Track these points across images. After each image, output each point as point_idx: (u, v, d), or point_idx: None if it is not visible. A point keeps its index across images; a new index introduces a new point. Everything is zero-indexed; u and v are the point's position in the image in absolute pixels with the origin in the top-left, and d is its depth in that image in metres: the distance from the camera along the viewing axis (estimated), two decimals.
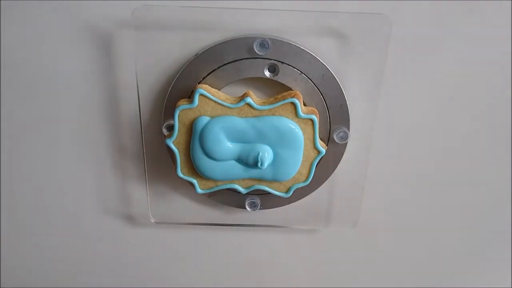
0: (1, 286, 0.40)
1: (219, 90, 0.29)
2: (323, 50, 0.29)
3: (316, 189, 0.33)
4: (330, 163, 0.32)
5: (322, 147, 0.29)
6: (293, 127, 0.28)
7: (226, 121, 0.28)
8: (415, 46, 0.29)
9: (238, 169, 0.30)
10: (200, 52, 0.29)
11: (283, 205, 0.33)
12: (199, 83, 0.29)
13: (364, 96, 0.30)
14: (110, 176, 0.34)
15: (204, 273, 0.40)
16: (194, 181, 0.31)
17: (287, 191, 0.31)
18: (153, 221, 0.35)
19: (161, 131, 0.31)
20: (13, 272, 0.39)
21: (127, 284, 0.40)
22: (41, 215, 0.36)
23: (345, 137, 0.31)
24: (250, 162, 0.29)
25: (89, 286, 0.40)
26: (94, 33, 0.29)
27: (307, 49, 0.28)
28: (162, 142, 0.32)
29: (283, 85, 0.29)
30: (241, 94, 0.29)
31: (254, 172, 0.30)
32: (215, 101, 0.28)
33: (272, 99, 0.29)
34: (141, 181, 0.34)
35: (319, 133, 0.30)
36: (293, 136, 0.28)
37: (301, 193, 0.32)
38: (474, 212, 0.36)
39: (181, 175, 0.30)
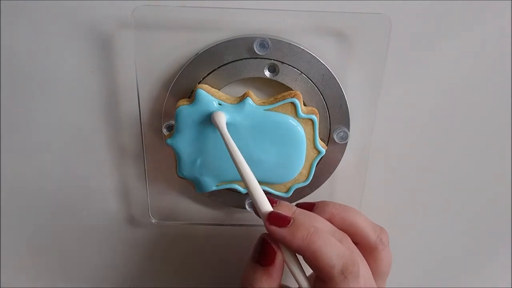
0: (1, 286, 0.40)
1: (219, 90, 0.29)
2: (323, 50, 0.29)
3: (316, 189, 0.33)
4: (330, 163, 0.32)
5: (322, 147, 0.29)
6: (294, 124, 0.28)
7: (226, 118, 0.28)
8: (415, 46, 0.29)
9: None
10: (200, 52, 0.29)
11: None
12: (199, 83, 0.29)
13: (364, 96, 0.30)
14: (110, 176, 0.34)
15: (204, 273, 0.40)
16: None
17: (287, 191, 0.31)
18: (153, 221, 0.35)
19: (161, 131, 0.31)
20: (13, 272, 0.39)
21: (127, 284, 0.40)
22: (41, 215, 0.36)
23: (345, 137, 0.31)
24: (250, 160, 0.29)
25: (89, 285, 0.40)
26: (94, 33, 0.29)
27: (307, 49, 0.28)
28: (162, 142, 0.32)
29: (283, 85, 0.29)
30: (241, 94, 0.29)
31: (255, 173, 0.30)
32: None
33: (272, 99, 0.29)
34: (141, 181, 0.34)
35: (319, 133, 0.30)
36: (295, 134, 0.28)
37: (301, 193, 0.32)
38: (474, 212, 0.36)
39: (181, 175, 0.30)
